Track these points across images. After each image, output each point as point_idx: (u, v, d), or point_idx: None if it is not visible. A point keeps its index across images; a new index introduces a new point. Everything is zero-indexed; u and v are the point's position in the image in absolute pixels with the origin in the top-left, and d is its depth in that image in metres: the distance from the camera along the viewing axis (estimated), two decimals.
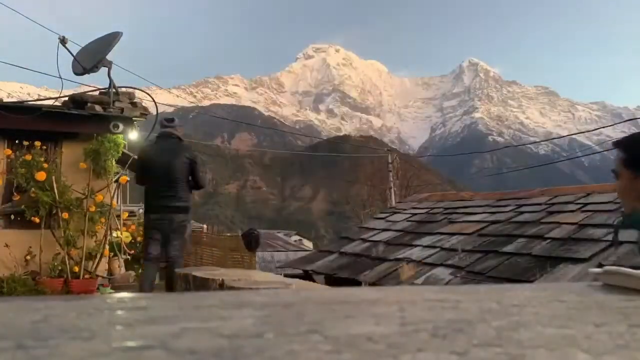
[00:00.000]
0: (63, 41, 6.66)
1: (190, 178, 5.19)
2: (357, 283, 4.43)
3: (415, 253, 4.51)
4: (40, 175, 6.64)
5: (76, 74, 6.90)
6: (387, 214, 6.47)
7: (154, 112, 7.37)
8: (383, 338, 0.41)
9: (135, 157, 7.74)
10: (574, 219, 3.93)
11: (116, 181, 7.71)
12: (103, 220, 7.11)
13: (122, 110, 6.98)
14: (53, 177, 6.83)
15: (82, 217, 6.93)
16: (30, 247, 6.78)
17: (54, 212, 6.83)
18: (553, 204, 4.54)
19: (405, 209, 6.32)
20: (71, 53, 6.87)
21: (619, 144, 2.13)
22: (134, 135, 7.73)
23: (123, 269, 8.61)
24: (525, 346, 0.40)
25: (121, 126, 6.91)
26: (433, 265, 4.14)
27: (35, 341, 0.39)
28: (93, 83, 7.93)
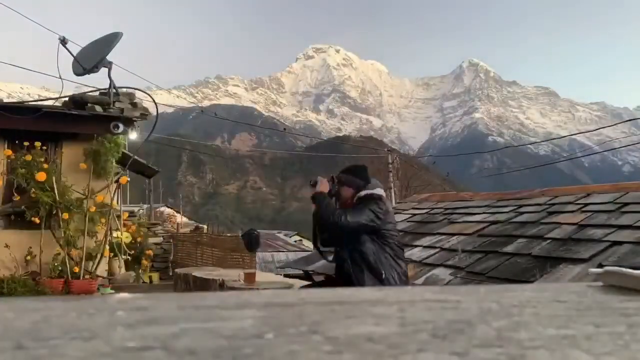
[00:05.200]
0: (63, 41, 6.66)
1: None
2: None
3: (415, 253, 4.51)
4: (41, 176, 6.64)
5: (76, 74, 6.90)
6: None
7: (154, 113, 7.38)
8: (383, 338, 0.41)
9: (135, 157, 7.74)
10: (574, 220, 3.93)
11: (116, 181, 7.70)
12: (103, 220, 7.12)
13: (122, 110, 6.98)
14: (53, 178, 6.83)
15: (82, 218, 6.94)
16: (31, 247, 6.78)
17: (54, 212, 6.84)
18: (553, 204, 4.54)
19: (405, 210, 6.32)
20: (71, 53, 6.87)
21: None
22: (134, 135, 7.73)
23: (123, 270, 8.62)
24: (526, 346, 0.40)
25: (121, 126, 6.92)
26: (433, 265, 4.14)
27: (35, 341, 0.39)
28: (93, 83, 7.95)
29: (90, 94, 7.33)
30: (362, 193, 3.28)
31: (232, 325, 0.45)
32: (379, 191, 3.35)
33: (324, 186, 3.29)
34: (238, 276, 4.58)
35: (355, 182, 3.36)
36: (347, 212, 3.10)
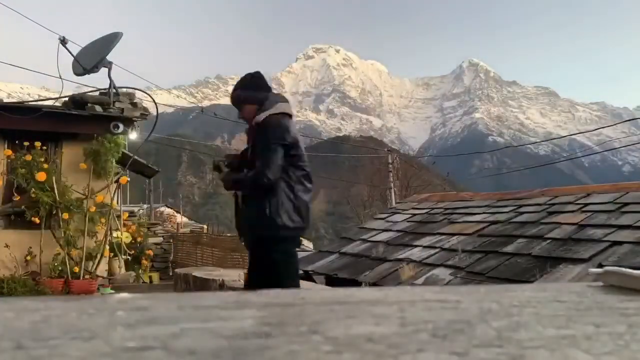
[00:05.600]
0: (63, 41, 6.66)
1: None
2: (357, 283, 4.43)
3: (415, 253, 4.51)
4: (41, 176, 6.64)
5: (76, 74, 6.91)
6: (387, 215, 6.47)
7: (154, 113, 7.38)
8: (383, 338, 0.41)
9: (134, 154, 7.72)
10: (574, 220, 3.93)
11: (116, 181, 7.70)
12: (103, 220, 7.12)
13: (122, 110, 6.98)
14: (53, 178, 6.83)
15: (82, 218, 6.94)
16: (31, 247, 6.78)
17: (54, 212, 6.84)
18: (553, 204, 4.54)
19: (405, 210, 6.32)
20: (71, 53, 6.88)
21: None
22: (134, 135, 7.73)
23: (123, 270, 8.62)
24: (526, 346, 0.40)
25: (121, 126, 6.92)
26: (433, 265, 4.14)
27: (35, 341, 0.39)
28: (93, 83, 7.94)
29: (90, 94, 7.33)
30: (261, 117, 3.01)
31: (232, 325, 0.45)
32: (278, 107, 3.08)
33: (225, 181, 3.11)
34: (238, 276, 4.57)
35: (255, 97, 3.10)
36: (261, 164, 2.87)
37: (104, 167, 7.09)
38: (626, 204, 3.88)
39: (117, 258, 8.34)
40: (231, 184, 3.08)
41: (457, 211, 5.40)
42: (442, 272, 3.94)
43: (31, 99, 9.24)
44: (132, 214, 12.31)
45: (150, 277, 10.33)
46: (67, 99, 7.26)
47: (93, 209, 6.98)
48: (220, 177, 3.15)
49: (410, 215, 5.91)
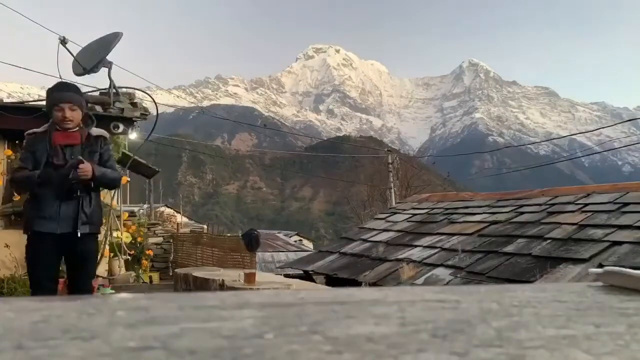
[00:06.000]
0: (63, 41, 6.66)
1: None
2: (357, 283, 4.43)
3: (415, 253, 4.51)
4: None
5: (76, 74, 6.90)
6: (387, 215, 6.47)
7: (154, 113, 7.37)
8: (383, 338, 0.41)
9: (135, 157, 7.72)
10: (574, 220, 3.93)
11: None
12: (103, 220, 7.11)
13: (122, 110, 6.98)
14: None
15: None
16: None
17: None
18: (553, 204, 4.54)
19: (405, 210, 6.32)
20: (71, 53, 6.87)
21: None
22: (134, 135, 7.73)
23: (123, 270, 8.61)
24: (526, 346, 0.40)
25: (121, 126, 6.91)
26: (433, 265, 4.14)
27: (35, 341, 0.39)
28: (93, 83, 7.92)
29: (90, 94, 7.32)
30: (101, 132, 3.65)
31: (232, 325, 0.45)
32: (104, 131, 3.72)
33: (88, 166, 3.39)
34: (238, 276, 4.57)
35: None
36: (109, 166, 3.60)
37: None
38: (626, 204, 3.88)
39: (117, 258, 8.33)
40: (96, 174, 3.40)
41: (457, 211, 5.40)
42: (442, 272, 3.94)
43: (31, 99, 9.23)
44: (132, 214, 12.30)
45: (150, 277, 10.32)
46: None
47: None
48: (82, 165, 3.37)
49: (410, 215, 5.92)
